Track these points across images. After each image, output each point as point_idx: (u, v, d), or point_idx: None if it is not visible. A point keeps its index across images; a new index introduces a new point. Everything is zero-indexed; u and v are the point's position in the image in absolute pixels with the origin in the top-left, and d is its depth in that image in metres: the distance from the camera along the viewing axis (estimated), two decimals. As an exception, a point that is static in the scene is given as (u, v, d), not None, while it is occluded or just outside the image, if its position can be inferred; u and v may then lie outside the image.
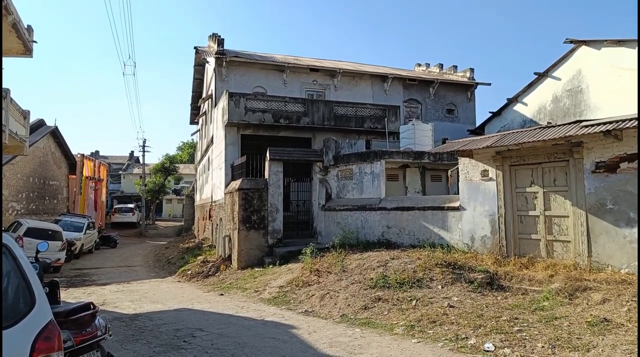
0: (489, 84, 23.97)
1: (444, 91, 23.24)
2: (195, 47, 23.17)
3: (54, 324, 2.91)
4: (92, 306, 4.82)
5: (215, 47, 19.80)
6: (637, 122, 7.36)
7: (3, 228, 17.34)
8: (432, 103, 22.90)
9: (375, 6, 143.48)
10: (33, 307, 2.83)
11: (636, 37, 13.32)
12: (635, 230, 7.74)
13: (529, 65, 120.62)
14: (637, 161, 7.87)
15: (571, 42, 15.49)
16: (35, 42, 14.90)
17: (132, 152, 64.60)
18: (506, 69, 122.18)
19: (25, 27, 13.91)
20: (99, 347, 4.79)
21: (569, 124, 8.85)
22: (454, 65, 24.99)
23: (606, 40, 14.39)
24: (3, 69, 14.68)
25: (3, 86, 12.85)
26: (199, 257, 17.01)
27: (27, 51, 14.76)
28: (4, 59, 15.33)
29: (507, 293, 8.26)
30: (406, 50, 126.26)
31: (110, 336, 5.01)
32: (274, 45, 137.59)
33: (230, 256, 14.61)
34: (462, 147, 10.34)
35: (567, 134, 8.23)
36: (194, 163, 44.27)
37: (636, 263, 7.64)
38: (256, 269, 13.10)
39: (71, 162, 30.54)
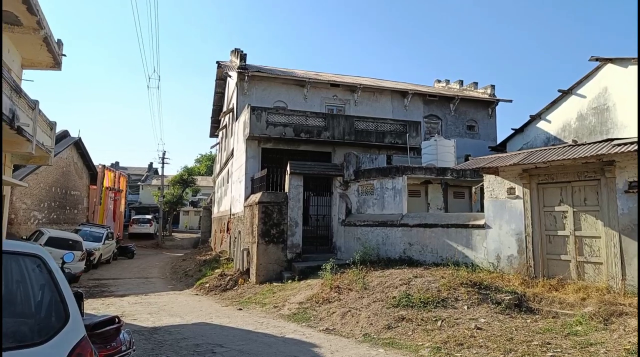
0: (510, 101, 23.71)
1: (464, 107, 23.05)
2: (217, 62, 23.46)
3: (87, 340, 2.83)
4: (117, 320, 4.75)
5: (237, 62, 20.01)
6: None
7: (25, 237, 17.55)
8: (453, 119, 22.71)
9: (395, 23, 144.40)
10: (67, 322, 2.75)
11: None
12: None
13: (550, 83, 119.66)
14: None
15: (596, 59, 15.23)
16: (64, 55, 15.22)
17: (151, 163, 65.40)
18: (527, 86, 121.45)
19: (56, 41, 14.23)
20: (123, 361, 4.70)
21: (600, 142, 8.62)
22: (474, 82, 24.81)
23: (633, 59, 14.10)
24: (33, 81, 15.01)
25: (32, 97, 13.07)
26: (216, 270, 16.93)
27: (57, 64, 15.09)
28: (34, 71, 15.71)
29: (537, 316, 7.98)
30: (425, 67, 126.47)
31: (134, 350, 4.92)
32: (293, 62, 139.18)
33: (248, 270, 14.50)
34: (488, 164, 10.14)
35: (598, 153, 8.01)
36: (211, 175, 44.64)
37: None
38: (275, 283, 12.96)
39: (92, 173, 31.00)
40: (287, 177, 14.52)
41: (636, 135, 9.08)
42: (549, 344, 6.54)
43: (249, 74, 19.14)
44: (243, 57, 19.62)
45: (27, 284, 2.93)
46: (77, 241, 17.17)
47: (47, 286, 2.90)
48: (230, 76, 22.34)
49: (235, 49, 21.08)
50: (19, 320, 2.81)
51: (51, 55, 14.18)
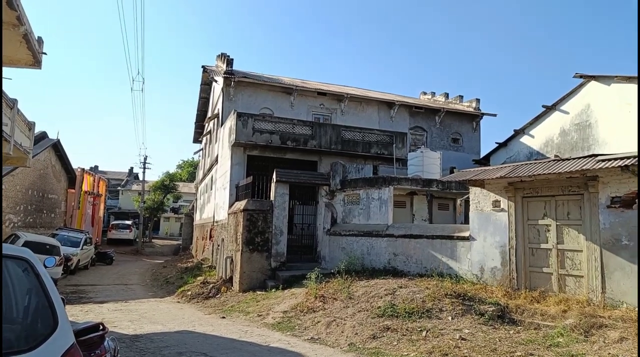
0: (495, 115, 24.09)
1: (449, 120, 23.35)
2: (203, 66, 23.30)
3: (76, 348, 2.73)
4: (101, 327, 4.62)
5: (223, 66, 19.92)
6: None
7: None
8: (438, 131, 22.98)
9: (380, 36, 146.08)
10: (55, 329, 2.65)
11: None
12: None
13: (534, 99, 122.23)
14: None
15: (580, 76, 15.61)
16: (45, 54, 14.91)
17: (132, 168, 64.45)
18: (511, 102, 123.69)
19: (36, 38, 13.95)
20: (107, 370, 4.57)
21: (584, 157, 8.80)
22: (459, 95, 25.17)
23: (616, 76, 14.49)
24: (11, 79, 14.66)
25: (11, 97, 12.77)
26: (198, 278, 16.68)
27: (36, 63, 14.76)
28: (12, 69, 15.36)
29: (519, 327, 8.07)
30: (410, 80, 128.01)
31: (119, 359, 4.78)
32: (277, 70, 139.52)
33: (231, 278, 14.33)
34: (474, 176, 10.26)
35: (583, 168, 8.17)
36: (193, 182, 44.10)
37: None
38: (258, 292, 12.82)
39: (71, 176, 30.31)
40: (272, 185, 14.45)
41: (618, 152, 9.29)
42: (531, 355, 6.62)
43: (235, 80, 19.06)
44: (229, 62, 19.52)
45: (14, 288, 2.82)
46: (54, 246, 16.68)
47: (35, 290, 2.80)
48: (216, 81, 22.22)
49: (222, 54, 20.98)
50: (5, 326, 2.70)
51: (31, 52, 13.85)
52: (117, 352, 4.67)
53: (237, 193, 16.23)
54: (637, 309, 7.64)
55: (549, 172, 8.59)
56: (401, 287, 9.97)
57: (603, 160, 8.06)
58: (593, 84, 15.45)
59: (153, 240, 46.73)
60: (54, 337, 2.63)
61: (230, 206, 16.31)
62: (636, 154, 7.77)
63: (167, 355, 7.30)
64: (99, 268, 25.09)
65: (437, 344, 7.29)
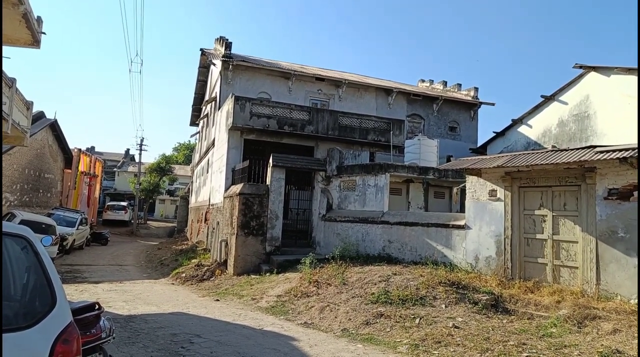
0: (493, 104, 23.99)
1: (447, 108, 23.26)
2: (201, 49, 23.08)
3: (73, 326, 2.73)
4: (97, 306, 4.62)
5: (222, 50, 19.72)
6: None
7: (-6, 219, 16.95)
8: (435, 119, 22.91)
9: (381, 23, 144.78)
10: (54, 306, 2.65)
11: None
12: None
13: (533, 88, 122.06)
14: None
15: (580, 67, 15.55)
16: (44, 33, 14.71)
17: (128, 150, 64.32)
18: (509, 91, 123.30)
19: (36, 17, 13.74)
20: (101, 349, 4.58)
21: (583, 148, 8.79)
22: (458, 83, 25.06)
23: (616, 68, 14.43)
24: (10, 58, 14.46)
25: (10, 76, 12.60)
26: (193, 261, 16.72)
27: (35, 42, 14.57)
28: (11, 48, 15.15)
29: (513, 317, 8.12)
30: (408, 68, 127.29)
31: (114, 338, 4.80)
32: (276, 54, 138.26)
33: (226, 261, 14.36)
34: (471, 165, 10.25)
35: (581, 159, 8.16)
36: (189, 164, 44.00)
37: (646, 294, 7.54)
38: (253, 276, 12.87)
39: (67, 156, 30.18)
40: (269, 169, 14.41)
41: (617, 144, 9.29)
42: (524, 344, 6.66)
43: (233, 63, 18.88)
44: (228, 45, 19.31)
45: (12, 266, 2.80)
46: (50, 225, 16.67)
47: (33, 268, 2.79)
48: (214, 64, 22.01)
49: (220, 37, 20.73)
50: (4, 303, 2.69)
51: (30, 32, 13.67)
52: (112, 332, 4.69)
53: (234, 177, 16.18)
54: (631, 301, 7.70)
55: (547, 162, 8.58)
56: (395, 274, 10.01)
57: (601, 152, 8.04)
58: (593, 75, 15.38)
59: (148, 222, 46.75)
60: (52, 315, 2.63)
61: (226, 189, 16.28)
62: (635, 146, 7.76)
63: (161, 336, 7.33)
64: (94, 248, 25.12)
65: (430, 332, 7.34)
